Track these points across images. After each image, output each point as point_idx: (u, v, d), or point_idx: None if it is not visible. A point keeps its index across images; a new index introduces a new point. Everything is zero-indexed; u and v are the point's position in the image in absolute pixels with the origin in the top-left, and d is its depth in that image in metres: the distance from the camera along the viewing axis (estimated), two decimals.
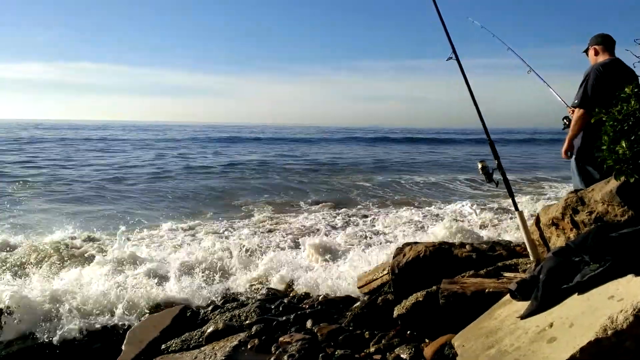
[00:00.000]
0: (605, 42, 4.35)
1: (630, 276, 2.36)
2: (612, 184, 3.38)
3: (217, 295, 5.46)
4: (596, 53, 4.38)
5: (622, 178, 3.08)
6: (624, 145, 2.92)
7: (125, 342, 4.38)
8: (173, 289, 5.57)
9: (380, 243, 7.35)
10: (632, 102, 2.95)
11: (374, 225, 9.39)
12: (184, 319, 4.77)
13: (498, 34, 5.48)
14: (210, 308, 5.08)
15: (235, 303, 5.15)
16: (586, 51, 4.50)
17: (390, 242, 7.37)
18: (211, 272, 6.18)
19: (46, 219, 10.01)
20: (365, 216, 10.39)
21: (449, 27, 4.26)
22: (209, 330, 4.32)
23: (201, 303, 5.28)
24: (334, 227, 9.42)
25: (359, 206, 11.84)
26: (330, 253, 6.84)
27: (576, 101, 4.22)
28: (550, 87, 5.17)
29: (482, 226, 9.02)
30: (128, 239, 7.94)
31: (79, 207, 11.69)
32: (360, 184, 15.87)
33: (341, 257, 6.57)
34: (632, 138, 2.92)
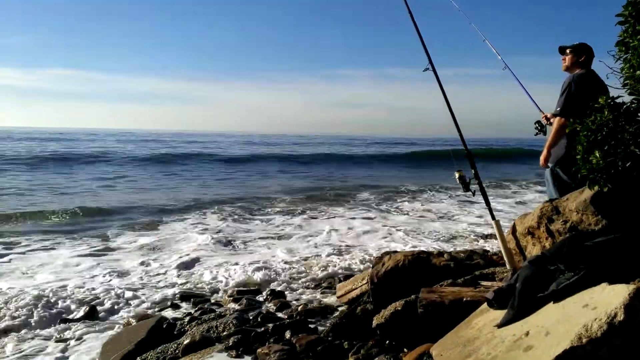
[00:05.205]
0: (588, 53, 4.38)
1: (604, 284, 2.39)
2: (587, 193, 3.43)
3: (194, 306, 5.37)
4: (577, 60, 4.38)
5: (596, 187, 3.13)
6: (597, 155, 2.96)
7: (99, 354, 4.30)
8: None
9: None
10: (606, 112, 3.00)
11: None
12: (160, 331, 4.65)
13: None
14: (187, 319, 4.99)
15: (213, 314, 5.06)
16: (566, 50, 4.48)
17: None
18: None
19: None
20: None
21: (429, 39, 4.28)
22: (185, 342, 4.24)
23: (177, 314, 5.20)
24: None
25: None
26: None
27: (558, 109, 4.26)
28: (523, 86, 5.14)
29: None
30: None
31: None
32: None
33: None
34: (606, 148, 2.97)
